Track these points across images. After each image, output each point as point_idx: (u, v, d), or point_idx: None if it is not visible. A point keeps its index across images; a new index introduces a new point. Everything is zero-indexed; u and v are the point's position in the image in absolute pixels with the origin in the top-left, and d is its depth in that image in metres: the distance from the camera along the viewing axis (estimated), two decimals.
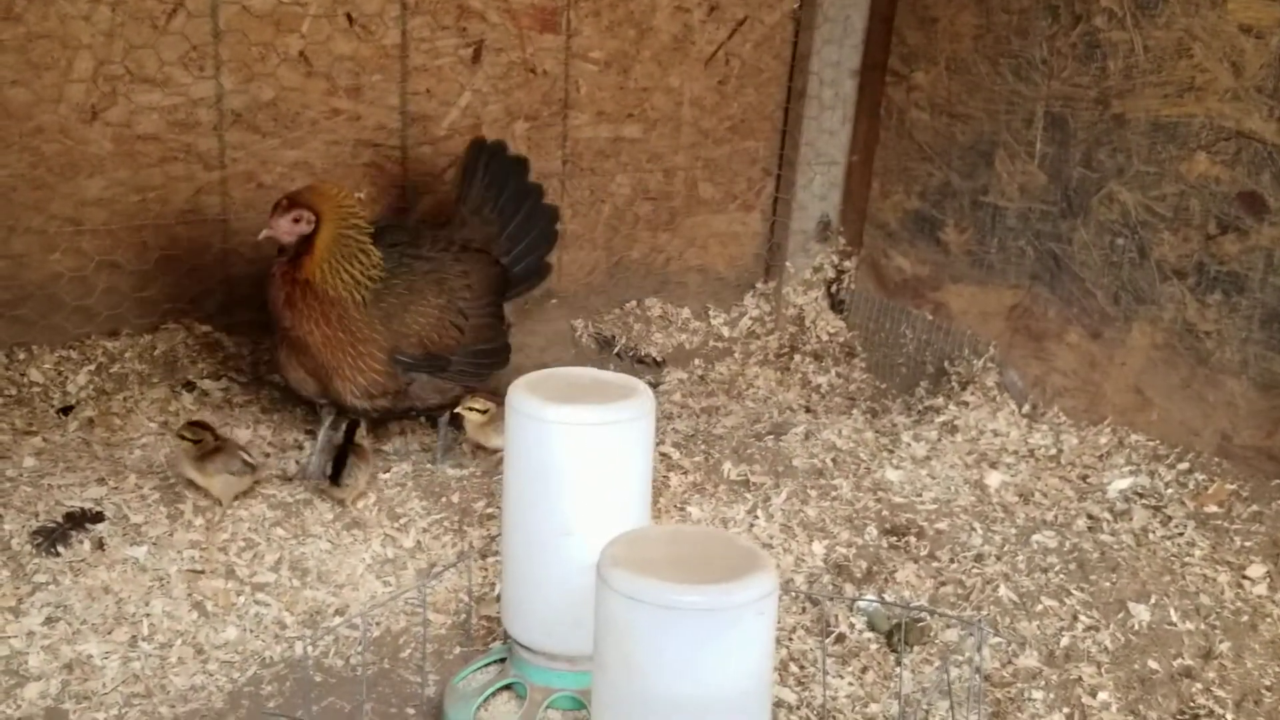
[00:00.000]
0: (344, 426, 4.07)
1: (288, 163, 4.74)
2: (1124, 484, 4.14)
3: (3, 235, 4.39)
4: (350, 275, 4.05)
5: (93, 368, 4.51)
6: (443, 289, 4.30)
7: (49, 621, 3.20)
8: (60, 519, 3.54)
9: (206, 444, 3.80)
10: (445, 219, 4.73)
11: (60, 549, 3.42)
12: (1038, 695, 3.16)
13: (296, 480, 4.05)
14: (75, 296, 4.53)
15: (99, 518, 3.58)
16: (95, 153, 4.45)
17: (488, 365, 4.45)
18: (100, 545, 3.47)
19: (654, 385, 4.78)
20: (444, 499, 3.95)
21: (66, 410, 4.32)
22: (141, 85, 4.45)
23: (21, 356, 4.47)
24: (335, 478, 3.85)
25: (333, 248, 4.01)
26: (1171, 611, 3.45)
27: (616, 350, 5.34)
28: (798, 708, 3.11)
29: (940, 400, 4.77)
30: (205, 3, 4.44)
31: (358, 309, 4.07)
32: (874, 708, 3.13)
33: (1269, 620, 3.45)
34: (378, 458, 4.19)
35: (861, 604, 3.48)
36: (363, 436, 4.10)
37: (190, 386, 4.56)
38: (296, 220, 3.98)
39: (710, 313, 5.65)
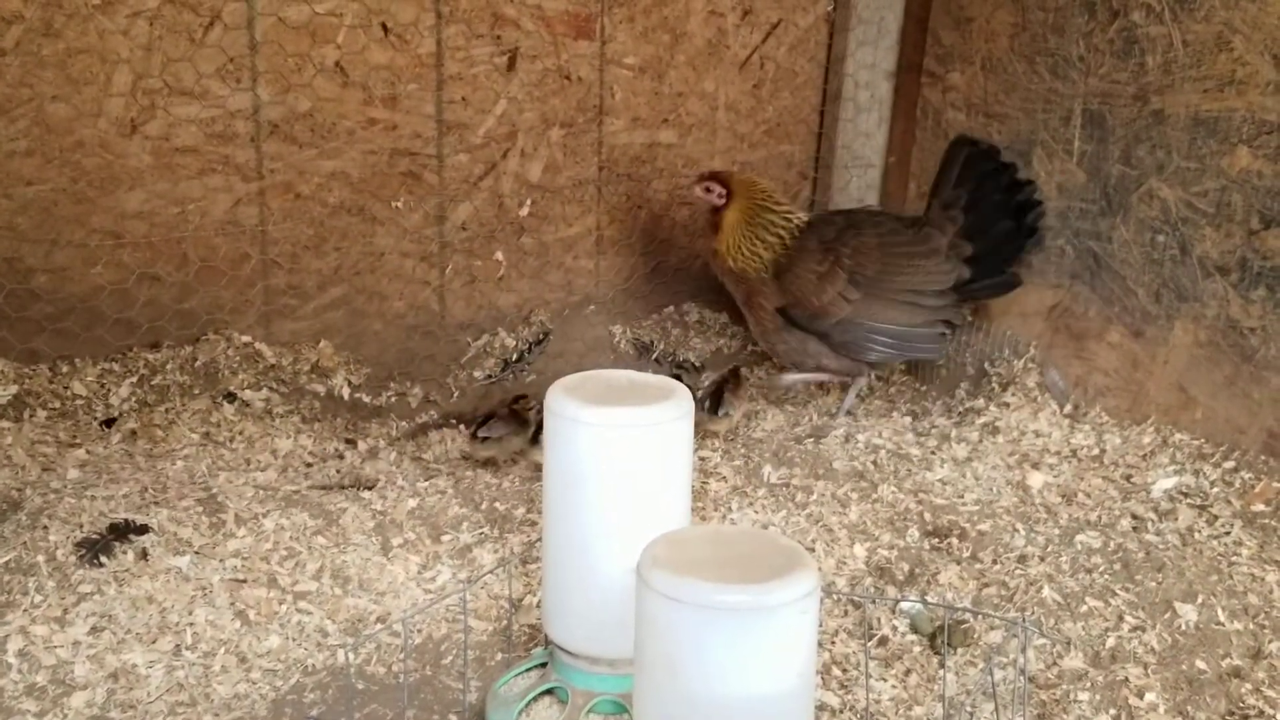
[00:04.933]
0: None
1: (325, 173, 4.77)
2: (1169, 483, 4.10)
3: (45, 249, 4.43)
4: (747, 245, 4.80)
5: (135, 380, 4.54)
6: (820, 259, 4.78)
7: (94, 631, 3.21)
8: (104, 530, 3.56)
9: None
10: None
11: (104, 559, 3.44)
12: (1084, 697, 3.13)
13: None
14: (116, 309, 4.56)
15: (143, 529, 3.59)
16: (135, 166, 4.48)
17: (894, 349, 4.86)
18: (144, 555, 3.49)
19: (693, 390, 4.78)
20: (484, 506, 3.95)
21: (109, 422, 4.36)
22: (179, 98, 4.48)
23: (65, 370, 4.51)
24: (714, 408, 4.46)
25: (741, 220, 4.81)
26: (1219, 611, 3.41)
27: (655, 355, 5.34)
28: (841, 711, 3.09)
29: (981, 401, 4.74)
30: (242, 15, 4.47)
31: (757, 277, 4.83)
32: (918, 710, 3.11)
33: None
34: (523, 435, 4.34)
35: (904, 606, 3.46)
36: (526, 407, 4.34)
37: (231, 397, 4.58)
38: (708, 190, 4.85)
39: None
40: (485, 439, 4.24)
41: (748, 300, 4.90)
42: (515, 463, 4.32)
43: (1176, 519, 3.88)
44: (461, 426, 4.65)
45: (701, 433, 4.48)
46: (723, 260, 4.87)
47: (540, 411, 4.17)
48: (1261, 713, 3.07)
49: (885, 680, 3.21)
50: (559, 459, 2.94)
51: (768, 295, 4.80)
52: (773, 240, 4.78)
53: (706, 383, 4.82)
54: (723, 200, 4.83)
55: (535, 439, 4.21)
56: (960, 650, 3.31)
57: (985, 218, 4.75)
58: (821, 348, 4.78)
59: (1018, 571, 3.61)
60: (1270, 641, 3.30)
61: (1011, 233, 4.79)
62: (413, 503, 3.93)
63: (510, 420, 4.30)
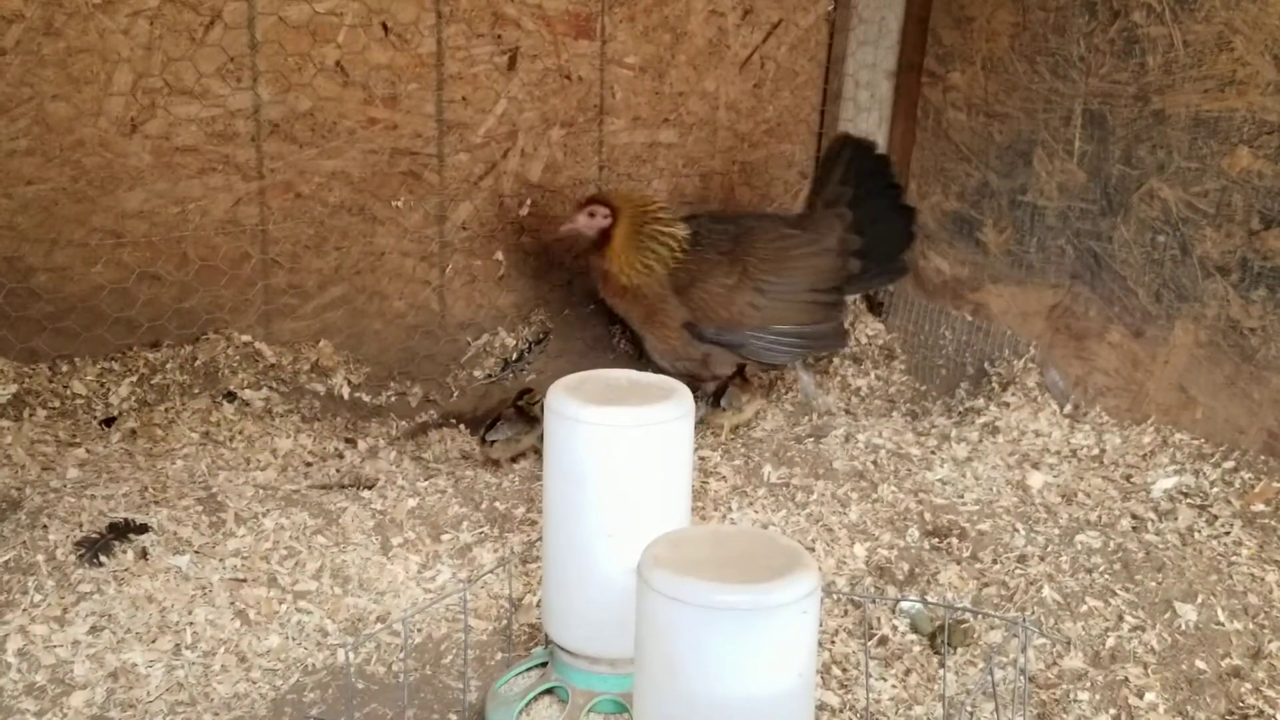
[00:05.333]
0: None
1: (325, 172, 4.77)
2: (1169, 483, 4.10)
3: (45, 249, 4.43)
4: (638, 265, 4.70)
5: (134, 379, 4.54)
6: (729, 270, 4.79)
7: (94, 630, 3.21)
8: (104, 529, 3.56)
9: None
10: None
11: (104, 559, 3.43)
12: (1084, 696, 3.13)
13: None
14: (116, 308, 4.56)
15: (143, 528, 3.59)
16: (135, 165, 4.48)
17: (804, 347, 4.96)
18: (143, 555, 3.49)
19: (693, 389, 4.78)
20: (484, 505, 3.95)
21: (109, 421, 4.36)
22: (180, 97, 4.48)
23: (65, 369, 4.51)
24: (716, 402, 4.57)
25: (628, 244, 4.69)
26: (1219, 611, 3.41)
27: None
28: (841, 711, 3.09)
29: (981, 401, 4.74)
30: (242, 14, 4.47)
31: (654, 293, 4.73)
32: (918, 710, 3.11)
33: None
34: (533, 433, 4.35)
35: (904, 606, 3.46)
36: (532, 404, 4.36)
37: (231, 397, 4.58)
38: (592, 215, 4.70)
39: None
40: (494, 442, 4.25)
41: (648, 319, 4.81)
42: (517, 461, 4.32)
43: (1176, 519, 3.88)
44: (462, 426, 4.65)
45: (708, 427, 4.61)
46: (615, 281, 4.78)
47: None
48: (1261, 713, 3.07)
49: (885, 680, 3.21)
50: (559, 458, 2.94)
51: (670, 312, 4.76)
52: (663, 251, 4.73)
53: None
54: (609, 220, 4.72)
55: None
56: (960, 650, 3.31)
57: (872, 211, 4.91)
58: (729, 357, 4.79)
59: (1018, 571, 3.61)
60: (1270, 641, 3.30)
61: (900, 223, 5.01)
62: (413, 502, 3.93)
63: (517, 419, 4.30)
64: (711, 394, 4.64)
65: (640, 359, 5.09)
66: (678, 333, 4.77)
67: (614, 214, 4.70)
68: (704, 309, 4.73)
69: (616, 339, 5.43)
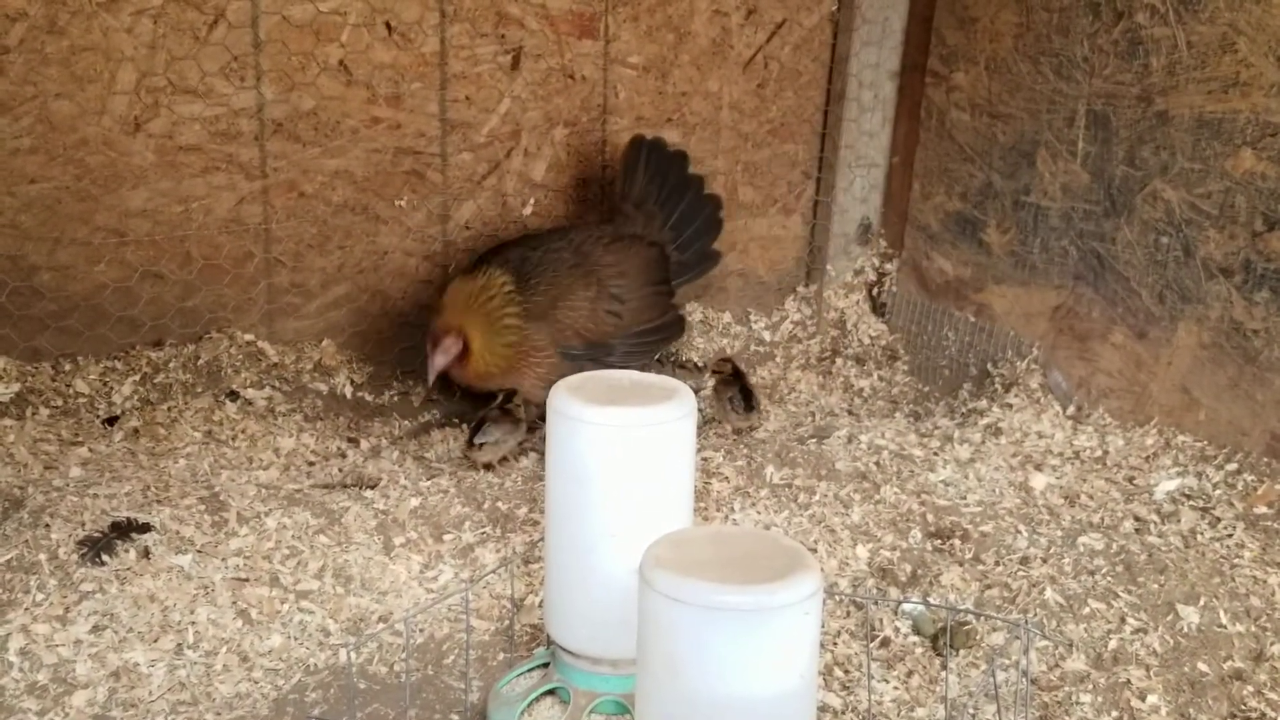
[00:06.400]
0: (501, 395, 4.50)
1: (329, 171, 4.77)
2: (1171, 485, 4.10)
3: (48, 247, 4.42)
4: (504, 343, 4.56)
5: (137, 378, 4.54)
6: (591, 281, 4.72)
7: (96, 630, 3.21)
8: (106, 528, 3.56)
9: None
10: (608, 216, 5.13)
11: (106, 558, 3.44)
12: (1086, 699, 3.13)
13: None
14: (120, 307, 4.56)
15: (145, 527, 3.59)
16: (138, 164, 4.48)
17: (656, 342, 4.98)
18: (146, 554, 3.49)
19: (695, 390, 4.78)
20: (486, 505, 3.95)
21: (112, 420, 4.36)
22: (183, 96, 4.48)
23: (67, 368, 4.51)
24: (746, 405, 4.59)
25: (487, 342, 4.55)
26: (1221, 613, 3.41)
27: (657, 355, 5.34)
28: (843, 712, 3.09)
29: (984, 403, 4.74)
30: (246, 13, 4.47)
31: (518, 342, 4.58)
32: (920, 712, 3.11)
33: None
34: (518, 433, 4.41)
35: (906, 607, 3.46)
36: (516, 405, 4.39)
37: (234, 396, 4.58)
38: (447, 351, 4.51)
39: (751, 317, 5.64)
40: (481, 445, 4.25)
41: (516, 370, 4.61)
42: (505, 463, 4.32)
43: (1179, 521, 3.88)
44: (464, 426, 4.65)
45: (731, 431, 4.66)
46: (488, 368, 4.61)
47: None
48: (1263, 715, 3.07)
49: (887, 682, 3.21)
50: (562, 459, 2.94)
51: (540, 345, 4.61)
52: (511, 313, 4.58)
53: (710, 384, 4.81)
54: (461, 342, 4.54)
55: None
56: (962, 652, 3.31)
57: (681, 204, 5.01)
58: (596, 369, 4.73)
59: (1020, 573, 3.61)
60: (1272, 644, 3.30)
61: (709, 212, 5.09)
62: (415, 502, 3.93)
63: (503, 421, 4.30)
64: (736, 397, 4.67)
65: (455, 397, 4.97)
66: (555, 362, 4.61)
67: (462, 333, 4.52)
68: (572, 327, 4.67)
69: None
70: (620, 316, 4.76)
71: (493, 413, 4.33)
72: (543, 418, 4.19)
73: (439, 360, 4.52)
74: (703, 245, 5.11)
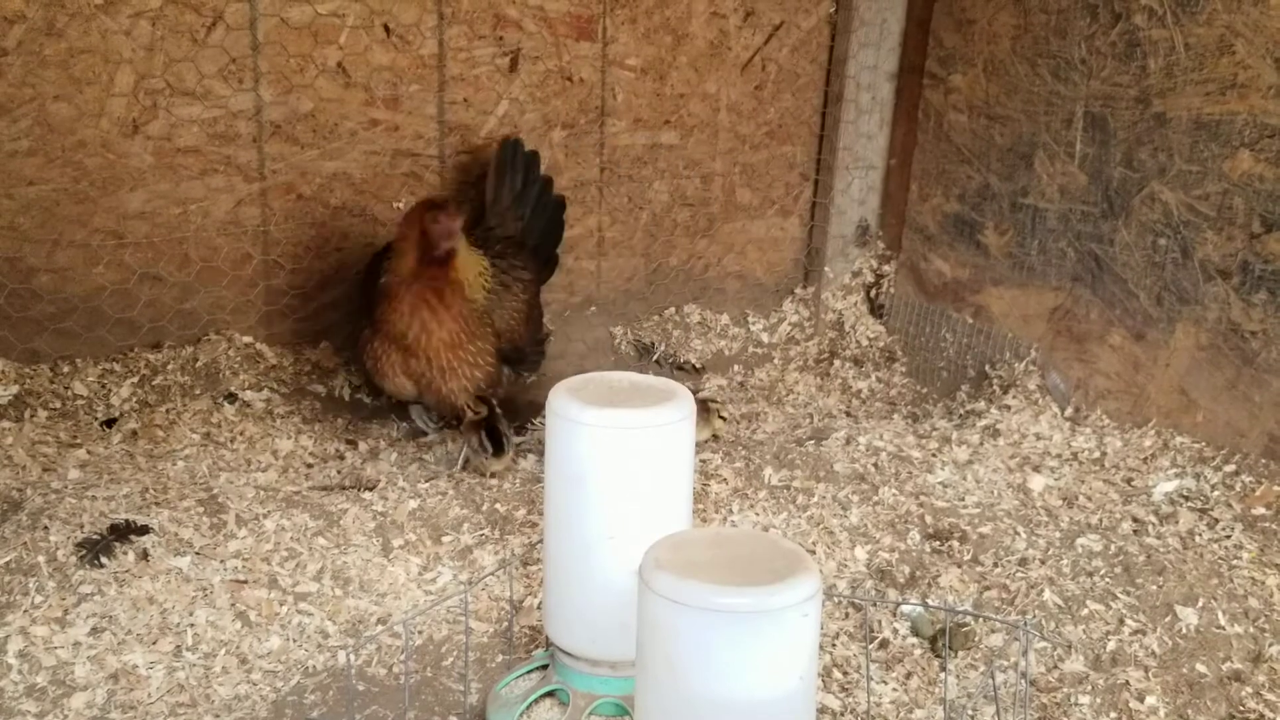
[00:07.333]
0: (485, 407, 4.38)
1: (327, 174, 4.77)
2: (1169, 486, 4.10)
3: (47, 249, 4.43)
4: (481, 279, 4.41)
5: (136, 380, 4.54)
6: (517, 284, 4.62)
7: (95, 632, 3.21)
8: (105, 531, 3.56)
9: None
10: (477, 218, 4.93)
11: (105, 560, 3.43)
12: (1084, 700, 3.13)
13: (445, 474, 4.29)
14: (118, 309, 4.56)
15: (144, 529, 3.59)
16: (136, 166, 4.48)
17: (541, 353, 4.86)
18: (144, 556, 3.49)
19: (694, 392, 4.79)
20: (485, 507, 3.95)
21: (110, 423, 4.36)
22: (181, 98, 4.48)
23: (66, 370, 4.51)
24: (498, 449, 4.24)
25: (469, 252, 4.36)
26: (1220, 614, 3.41)
27: (655, 357, 5.34)
28: (842, 714, 3.09)
29: (982, 404, 4.74)
30: (244, 16, 4.47)
31: (475, 313, 4.38)
32: (919, 713, 3.11)
33: None
34: (419, 466, 4.31)
35: (905, 609, 3.46)
36: (499, 418, 4.34)
37: (232, 398, 4.58)
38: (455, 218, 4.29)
39: (749, 319, 5.65)
40: (501, 455, 4.25)
41: (464, 341, 4.41)
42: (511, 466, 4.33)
43: (1177, 522, 3.88)
44: (463, 427, 4.64)
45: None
46: (460, 292, 4.40)
47: (492, 413, 4.31)
48: (1262, 716, 3.07)
49: (886, 683, 3.21)
50: (561, 461, 2.94)
51: (488, 337, 4.47)
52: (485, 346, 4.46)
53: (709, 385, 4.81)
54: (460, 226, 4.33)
55: (498, 449, 4.24)
56: (961, 653, 3.31)
57: (536, 205, 4.94)
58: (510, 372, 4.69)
59: (1019, 574, 3.61)
60: (1271, 645, 3.30)
61: (558, 215, 5.02)
62: (413, 504, 3.93)
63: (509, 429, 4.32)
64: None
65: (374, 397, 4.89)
66: (499, 363, 4.51)
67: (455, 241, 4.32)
68: (509, 331, 4.53)
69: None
70: (534, 319, 4.76)
71: (499, 419, 4.32)
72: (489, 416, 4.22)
73: (455, 225, 4.23)
74: (551, 247, 5.03)
